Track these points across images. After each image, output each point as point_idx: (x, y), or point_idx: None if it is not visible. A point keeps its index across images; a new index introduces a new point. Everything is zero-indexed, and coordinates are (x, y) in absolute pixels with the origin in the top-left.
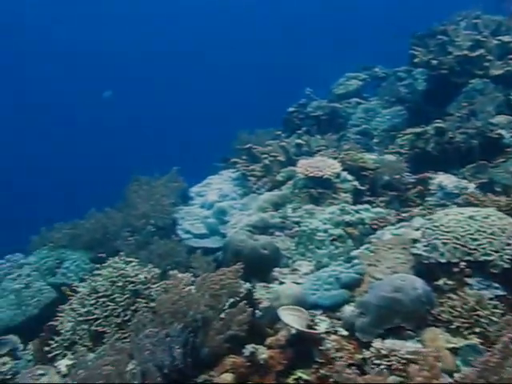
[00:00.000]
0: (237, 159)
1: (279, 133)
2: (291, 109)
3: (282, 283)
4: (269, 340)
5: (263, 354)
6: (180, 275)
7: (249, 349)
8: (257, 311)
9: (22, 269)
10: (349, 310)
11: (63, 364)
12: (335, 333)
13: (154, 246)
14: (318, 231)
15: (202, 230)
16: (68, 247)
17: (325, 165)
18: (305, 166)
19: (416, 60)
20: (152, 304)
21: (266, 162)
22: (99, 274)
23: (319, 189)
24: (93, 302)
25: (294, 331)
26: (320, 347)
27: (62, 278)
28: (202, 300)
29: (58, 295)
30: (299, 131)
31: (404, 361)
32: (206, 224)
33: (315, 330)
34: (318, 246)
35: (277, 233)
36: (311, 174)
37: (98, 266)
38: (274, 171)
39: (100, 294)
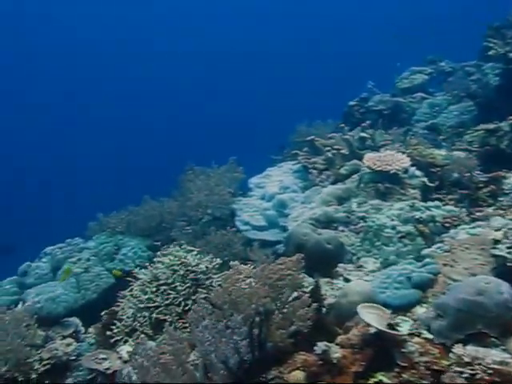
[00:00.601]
0: (298, 151)
1: (342, 125)
2: (352, 102)
3: (347, 280)
4: (339, 338)
5: (336, 352)
6: (241, 266)
7: (321, 346)
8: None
9: (81, 253)
10: (421, 311)
11: (125, 350)
12: (419, 335)
13: (211, 237)
14: (385, 227)
15: (261, 222)
16: (125, 234)
17: (393, 159)
18: (372, 160)
19: (491, 52)
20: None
21: (329, 154)
22: (160, 262)
23: (386, 183)
24: (154, 289)
25: (373, 330)
26: (402, 350)
27: (119, 264)
28: (263, 291)
29: (115, 281)
30: (364, 124)
31: (490, 371)
32: (265, 216)
33: (397, 330)
34: (385, 243)
35: (340, 227)
36: (379, 168)
37: (156, 253)
38: (337, 164)
39: (161, 282)
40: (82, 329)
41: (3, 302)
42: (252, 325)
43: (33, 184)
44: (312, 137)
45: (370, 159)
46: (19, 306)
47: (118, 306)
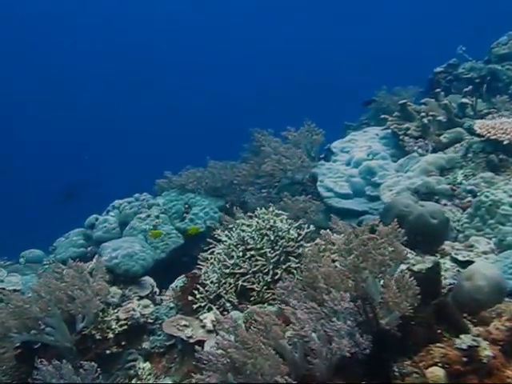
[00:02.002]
0: (386, 116)
1: (438, 90)
2: (438, 69)
3: (455, 260)
4: (475, 330)
5: (485, 349)
6: (334, 236)
7: (466, 340)
8: None
9: (151, 209)
10: None
11: (208, 318)
12: None
13: (289, 202)
14: (502, 204)
15: (346, 189)
16: (196, 192)
17: (511, 127)
18: (486, 127)
19: None
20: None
21: (425, 121)
22: (248, 225)
23: (501, 155)
24: (240, 254)
25: None
26: None
27: (190, 224)
28: (369, 265)
29: (184, 241)
30: (466, 89)
31: None
32: (350, 183)
33: None
34: (502, 222)
35: (443, 201)
36: (494, 137)
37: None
38: (432, 131)
39: (249, 247)
40: (157, 290)
41: (70, 254)
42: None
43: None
44: (404, 100)
45: (483, 126)
46: (94, 260)
47: (199, 268)
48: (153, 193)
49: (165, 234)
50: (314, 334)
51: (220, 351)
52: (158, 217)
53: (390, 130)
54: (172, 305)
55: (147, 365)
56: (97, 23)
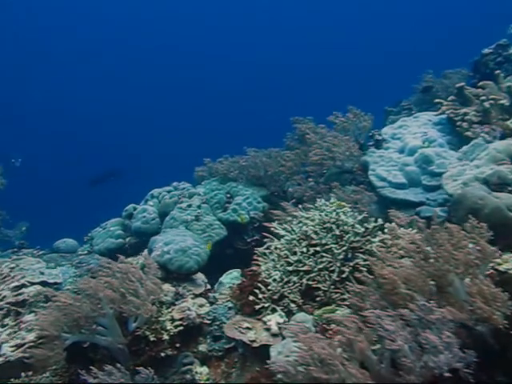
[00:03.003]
0: (441, 100)
1: (498, 72)
2: (486, 50)
3: None
4: None
5: None
6: (401, 230)
7: None
8: None
9: (191, 199)
10: None
11: (273, 321)
12: None
13: (339, 192)
14: None
15: (401, 178)
16: (238, 181)
17: None
18: None
19: None
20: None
21: (486, 105)
22: (309, 218)
23: None
24: (304, 249)
25: None
26: None
27: (233, 215)
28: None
29: (227, 233)
30: None
31: None
32: (405, 172)
33: None
34: None
35: None
36: None
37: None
38: (494, 116)
39: (313, 242)
40: (209, 287)
41: (107, 245)
42: None
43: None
44: (462, 83)
45: None
46: (144, 254)
47: (257, 264)
48: (191, 181)
49: (207, 224)
50: (406, 347)
51: (300, 367)
52: (199, 207)
53: (444, 116)
54: (230, 304)
55: (204, 369)
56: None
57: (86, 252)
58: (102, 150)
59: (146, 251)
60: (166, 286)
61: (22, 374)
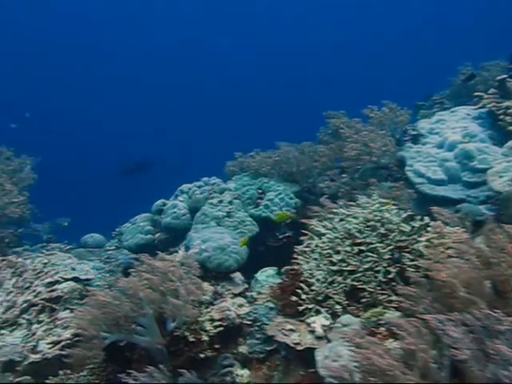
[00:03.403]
0: (481, 93)
1: None
2: None
3: None
4: None
5: None
6: (446, 228)
7: None
8: None
9: (222, 194)
10: None
11: (318, 323)
12: None
13: (375, 189)
14: None
15: (440, 174)
16: (270, 177)
17: None
18: None
19: None
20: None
21: None
22: (351, 215)
23: None
24: (348, 248)
25: None
26: None
27: (265, 211)
28: None
29: (259, 229)
30: None
31: None
32: (444, 168)
33: None
34: None
35: None
36: None
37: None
38: None
39: (357, 241)
40: (247, 286)
41: (137, 241)
42: None
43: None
44: (504, 76)
45: None
46: (180, 251)
47: (297, 263)
48: (220, 176)
49: (239, 221)
50: (472, 357)
51: (356, 374)
52: (230, 203)
53: (484, 110)
54: (271, 305)
55: (245, 372)
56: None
57: (113, 247)
58: (130, 144)
59: (182, 248)
60: (205, 285)
61: (60, 372)
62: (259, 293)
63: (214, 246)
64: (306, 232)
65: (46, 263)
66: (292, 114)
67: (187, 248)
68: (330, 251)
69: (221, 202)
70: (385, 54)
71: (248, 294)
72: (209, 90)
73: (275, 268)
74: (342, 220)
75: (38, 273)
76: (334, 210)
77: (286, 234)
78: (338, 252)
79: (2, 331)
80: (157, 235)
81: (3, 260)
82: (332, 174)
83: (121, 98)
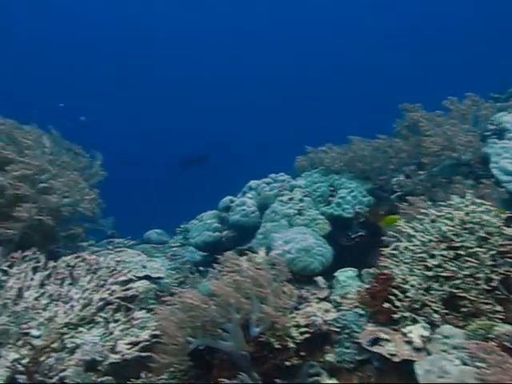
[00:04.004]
0: None
1: None
2: None
3: None
4: None
5: None
6: None
7: None
8: None
9: (292, 192)
10: None
11: (415, 333)
12: None
13: (458, 188)
14: None
15: None
16: (341, 173)
17: None
18: None
19: None
20: None
21: None
22: (444, 216)
23: None
24: (444, 252)
25: None
26: None
27: (337, 209)
28: None
29: (331, 228)
30: None
31: None
32: None
33: None
34: None
35: None
36: None
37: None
38: None
39: (455, 245)
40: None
41: (204, 238)
42: None
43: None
44: None
45: None
46: (261, 252)
47: (384, 266)
48: (284, 171)
49: (311, 219)
50: None
51: None
52: (301, 200)
53: None
54: (361, 311)
55: (334, 381)
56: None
57: (178, 244)
58: (192, 138)
59: (263, 249)
60: (293, 289)
61: (142, 375)
62: (344, 297)
63: (297, 247)
64: (389, 232)
65: (119, 261)
66: (362, 106)
67: (268, 248)
68: (423, 255)
69: (291, 199)
70: (453, 41)
71: (331, 297)
72: (276, 81)
73: (355, 269)
74: (433, 221)
75: (112, 271)
76: (424, 211)
77: (359, 234)
78: (432, 256)
79: (80, 328)
80: (224, 233)
81: (77, 257)
82: (408, 171)
83: (183, 88)
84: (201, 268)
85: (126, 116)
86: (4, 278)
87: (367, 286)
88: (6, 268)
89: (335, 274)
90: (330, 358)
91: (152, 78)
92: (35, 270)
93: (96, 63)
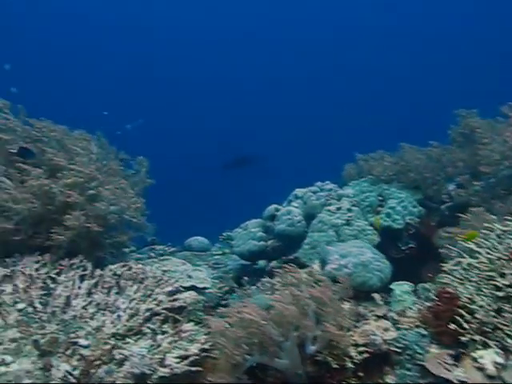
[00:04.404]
0: None
1: None
2: None
3: None
4: None
5: None
6: None
7: None
8: None
9: (340, 201)
10: None
11: (488, 358)
12: None
13: None
14: None
15: None
16: (390, 183)
17: None
18: None
19: None
20: None
21: None
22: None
23: None
24: None
25: None
26: None
27: (386, 220)
28: None
29: (380, 239)
30: None
31: None
32: None
33: None
34: None
35: None
36: None
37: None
38: None
39: None
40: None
41: (249, 248)
42: None
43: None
44: None
45: None
46: (315, 266)
47: (445, 283)
48: (327, 179)
49: (359, 230)
50: None
51: None
52: (349, 210)
53: None
54: (423, 331)
55: None
56: None
57: (220, 252)
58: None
59: (317, 262)
60: (352, 306)
61: None
62: (402, 314)
63: (354, 261)
64: (447, 246)
65: (165, 271)
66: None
67: (323, 262)
68: (491, 273)
69: (339, 209)
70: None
71: (389, 314)
72: (323, 88)
73: (410, 284)
74: (499, 236)
75: (159, 280)
76: (488, 225)
77: (410, 246)
78: (502, 275)
79: (128, 339)
80: (269, 242)
81: (124, 266)
82: (462, 180)
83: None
84: (246, 278)
85: (166, 121)
86: (52, 285)
87: (428, 305)
88: (54, 275)
89: (391, 286)
90: (390, 380)
91: (173, 78)
92: (82, 277)
93: (102, 63)
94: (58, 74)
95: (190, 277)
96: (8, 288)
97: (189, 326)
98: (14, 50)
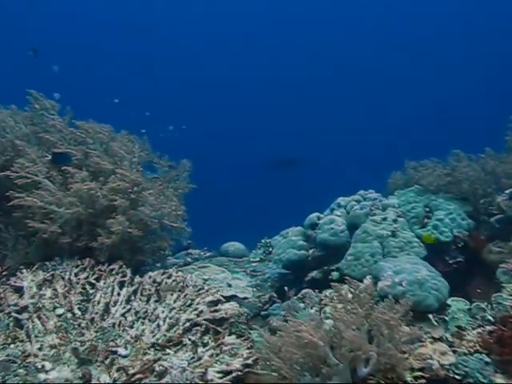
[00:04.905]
0: None
1: None
2: None
3: None
4: None
5: None
6: None
7: None
8: None
9: (385, 211)
10: None
11: None
12: None
13: None
14: None
15: None
16: (437, 193)
17: None
18: None
19: None
20: None
21: None
22: None
23: None
24: None
25: None
26: None
27: (434, 232)
28: None
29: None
30: None
31: None
32: None
33: None
34: None
35: None
36: None
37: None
38: None
39: None
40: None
41: (289, 256)
42: None
43: None
44: None
45: None
46: (366, 281)
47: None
48: (369, 187)
49: (405, 241)
50: None
51: None
52: (395, 221)
53: None
54: (486, 358)
55: None
56: None
57: (258, 259)
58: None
59: (368, 278)
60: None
61: None
62: (459, 337)
63: (409, 279)
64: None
65: (206, 279)
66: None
67: (375, 278)
68: None
69: (384, 219)
70: None
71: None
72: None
73: (466, 301)
74: None
75: (199, 289)
76: None
77: (457, 260)
78: None
79: (168, 350)
80: (310, 251)
81: (164, 273)
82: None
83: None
84: (286, 288)
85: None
86: (91, 291)
87: (490, 329)
88: (93, 281)
89: (448, 302)
90: None
91: (178, 77)
92: (121, 284)
93: (102, 63)
94: (58, 74)
95: (229, 286)
96: (48, 292)
97: (231, 339)
98: (14, 50)
